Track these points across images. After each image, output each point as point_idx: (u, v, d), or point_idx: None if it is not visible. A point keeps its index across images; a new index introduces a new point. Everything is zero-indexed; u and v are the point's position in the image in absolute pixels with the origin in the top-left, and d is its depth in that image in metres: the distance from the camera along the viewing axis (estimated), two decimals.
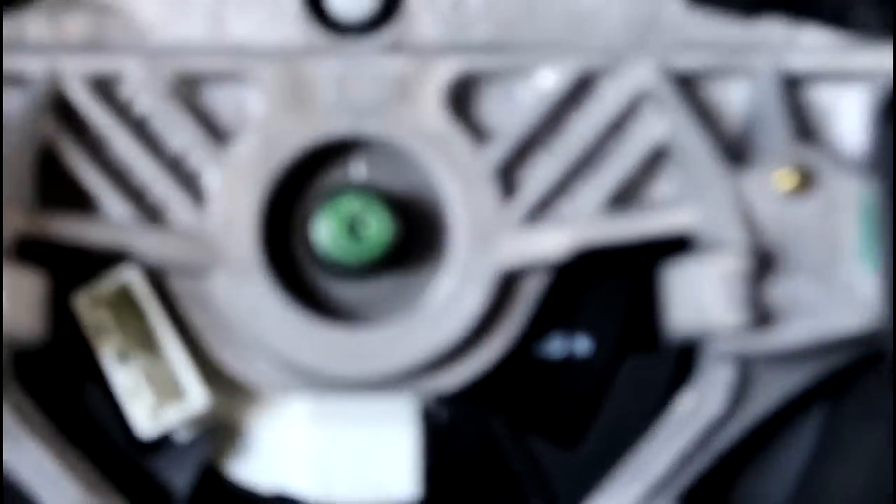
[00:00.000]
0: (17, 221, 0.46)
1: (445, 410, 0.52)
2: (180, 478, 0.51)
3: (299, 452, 0.52)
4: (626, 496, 0.50)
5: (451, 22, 0.49)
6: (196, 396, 0.49)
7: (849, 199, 0.46)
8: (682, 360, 0.51)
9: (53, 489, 0.48)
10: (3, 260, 0.45)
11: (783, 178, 0.46)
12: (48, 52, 0.48)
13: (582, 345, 0.52)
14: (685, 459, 0.49)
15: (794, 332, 0.46)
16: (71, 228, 0.47)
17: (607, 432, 0.52)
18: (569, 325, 0.53)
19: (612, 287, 0.53)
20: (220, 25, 0.49)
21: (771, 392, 0.49)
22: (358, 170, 0.50)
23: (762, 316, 0.45)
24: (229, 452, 0.52)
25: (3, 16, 0.48)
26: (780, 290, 0.46)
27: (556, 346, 0.52)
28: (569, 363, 0.52)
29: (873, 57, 0.49)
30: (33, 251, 0.47)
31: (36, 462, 0.48)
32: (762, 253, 0.46)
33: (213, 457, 0.51)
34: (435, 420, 0.52)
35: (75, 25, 0.48)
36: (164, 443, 0.50)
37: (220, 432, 0.52)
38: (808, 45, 0.49)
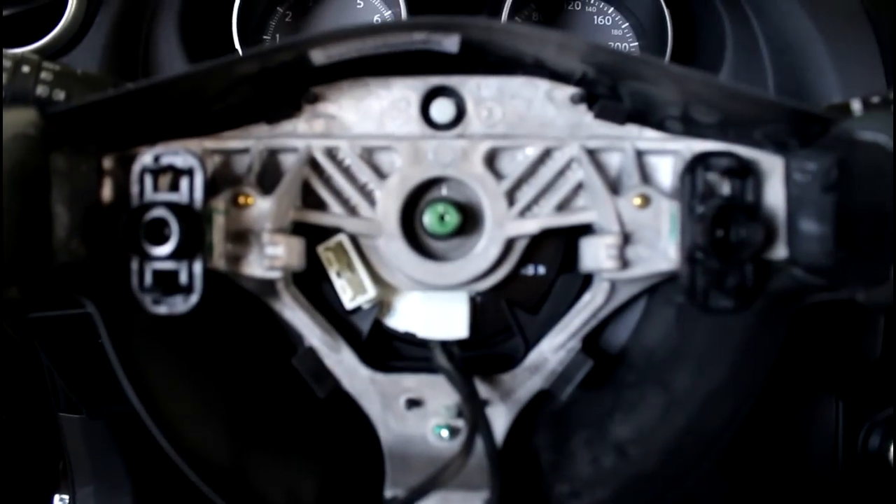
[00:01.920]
0: (292, 214, 0.51)
1: (479, 297, 0.56)
2: (364, 325, 0.55)
3: (415, 314, 0.55)
4: (560, 336, 0.54)
5: (486, 124, 0.51)
6: (370, 291, 0.54)
7: (665, 210, 0.49)
8: (586, 280, 0.55)
9: (308, 329, 0.53)
10: (284, 232, 0.50)
11: (636, 199, 0.49)
12: (306, 137, 0.51)
13: (540, 269, 0.56)
14: (586, 321, 0.53)
15: (638, 270, 0.49)
16: (316, 217, 0.51)
17: (550, 307, 0.56)
18: (533, 261, 0.55)
19: (556, 243, 0.55)
20: (383, 125, 0.51)
21: (624, 294, 0.53)
22: (443, 191, 0.53)
23: (624, 263, 0.49)
24: (384, 313, 0.55)
25: (286, 117, 0.52)
26: (632, 252, 0.49)
27: (529, 270, 0.56)
28: (534, 277, 0.55)
29: (674, 143, 0.50)
30: (295, 227, 0.52)
31: (301, 318, 0.53)
32: (625, 234, 0.49)
33: (378, 316, 0.55)
34: (474, 301, 0.56)
35: (317, 125, 0.52)
36: (357, 311, 0.55)
37: (380, 305, 0.55)
38: (647, 137, 0.51)
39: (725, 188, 0.48)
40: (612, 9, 0.86)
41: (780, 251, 0.48)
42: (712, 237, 0.46)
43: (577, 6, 0.87)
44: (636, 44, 0.86)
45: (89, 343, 0.80)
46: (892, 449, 0.75)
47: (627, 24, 0.86)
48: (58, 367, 0.88)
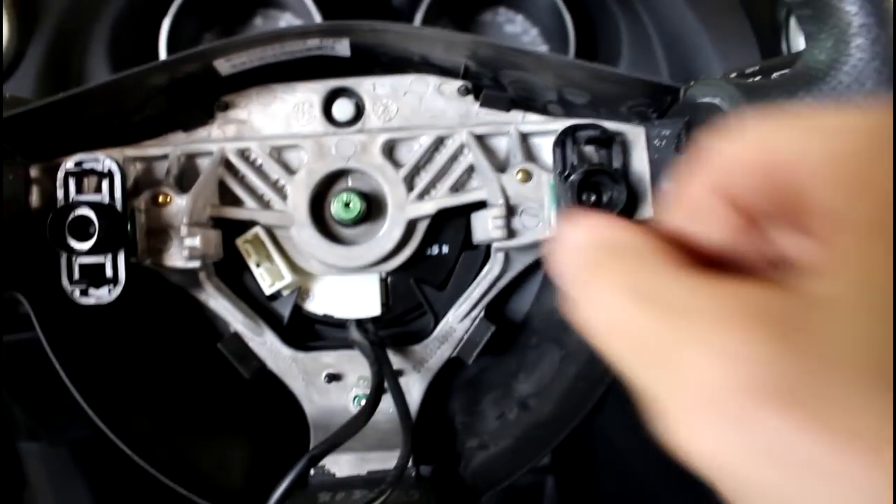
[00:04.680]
0: (209, 210, 0.55)
1: (388, 276, 0.60)
2: (284, 310, 0.59)
3: (331, 297, 0.60)
4: (464, 306, 0.58)
5: (383, 119, 0.57)
6: (287, 277, 0.58)
7: (545, 181, 0.53)
8: (487, 255, 0.59)
9: (232, 316, 0.57)
10: (201, 225, 0.54)
11: (518, 175, 0.54)
12: (220, 141, 0.56)
13: (444, 248, 0.60)
14: (486, 291, 0.58)
15: (525, 238, 0.54)
16: (232, 212, 0.56)
17: (455, 283, 0.60)
18: (438, 241, 0.60)
19: (457, 224, 0.59)
20: (289, 126, 0.57)
21: (519, 264, 0.58)
22: (348, 182, 0.58)
23: (510, 233, 0.54)
24: (304, 298, 0.60)
25: (200, 125, 0.57)
26: (517, 222, 0.54)
27: (434, 250, 0.60)
28: (439, 256, 0.60)
29: (555, 124, 0.55)
30: (214, 222, 0.56)
31: (224, 305, 0.57)
32: (510, 206, 0.54)
33: (298, 301, 0.59)
34: (385, 281, 0.60)
35: (230, 130, 0.57)
36: (276, 296, 0.59)
37: (299, 291, 0.60)
38: (530, 120, 0.56)
39: (595, 158, 0.54)
40: (520, 17, 0.93)
41: (648, 211, 0.54)
42: (580, 200, 0.52)
43: (489, 17, 0.94)
44: (545, 47, 0.93)
45: (45, 368, 0.84)
46: None
47: (536, 29, 0.93)
48: (14, 394, 0.92)
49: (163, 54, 0.83)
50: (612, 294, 0.22)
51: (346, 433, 0.48)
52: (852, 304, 0.18)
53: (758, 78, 0.55)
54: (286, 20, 0.91)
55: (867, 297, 0.18)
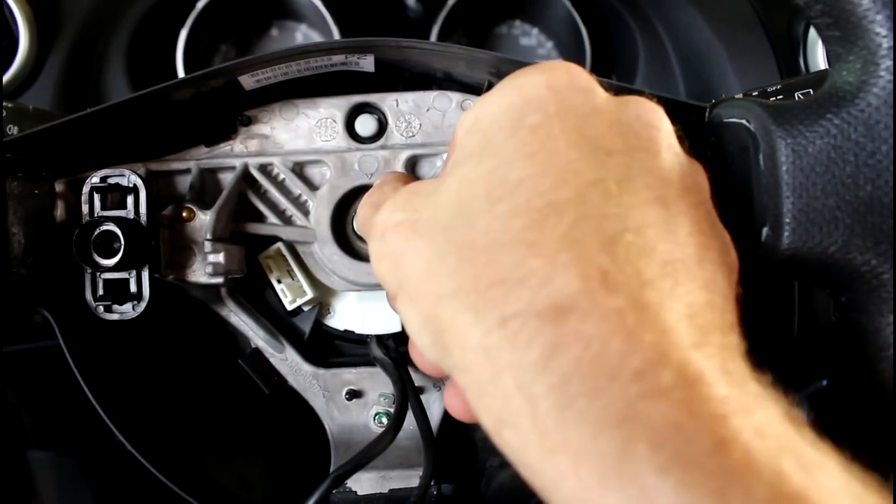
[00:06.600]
0: (231, 226, 0.56)
1: None
2: (305, 326, 0.60)
3: (352, 313, 0.60)
4: None
5: (405, 135, 0.57)
6: (309, 293, 0.58)
7: None
8: None
9: (253, 332, 0.58)
10: (224, 241, 0.54)
11: None
12: (242, 156, 0.57)
13: None
14: None
15: None
16: (254, 227, 0.57)
17: None
18: None
19: None
20: (312, 141, 0.57)
21: None
22: None
23: None
24: (325, 315, 0.60)
25: (223, 140, 0.57)
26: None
27: None
28: None
29: None
30: (236, 237, 0.57)
31: (246, 321, 0.58)
32: None
33: (319, 317, 0.60)
34: None
35: (252, 145, 0.57)
36: (297, 311, 0.60)
37: (320, 307, 0.60)
38: None
39: None
40: (536, 30, 0.94)
41: None
42: None
43: (505, 30, 0.94)
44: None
45: (56, 377, 0.84)
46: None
47: (551, 42, 0.94)
48: (24, 402, 0.92)
49: (180, 65, 0.84)
50: (363, 204, 0.47)
51: (372, 452, 0.48)
52: (441, 189, 0.35)
53: (780, 97, 0.56)
54: (302, 31, 0.91)
55: (448, 185, 0.34)
